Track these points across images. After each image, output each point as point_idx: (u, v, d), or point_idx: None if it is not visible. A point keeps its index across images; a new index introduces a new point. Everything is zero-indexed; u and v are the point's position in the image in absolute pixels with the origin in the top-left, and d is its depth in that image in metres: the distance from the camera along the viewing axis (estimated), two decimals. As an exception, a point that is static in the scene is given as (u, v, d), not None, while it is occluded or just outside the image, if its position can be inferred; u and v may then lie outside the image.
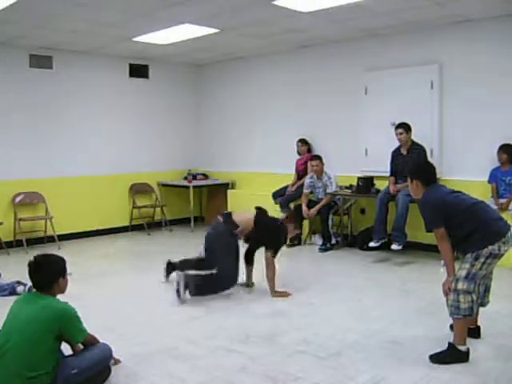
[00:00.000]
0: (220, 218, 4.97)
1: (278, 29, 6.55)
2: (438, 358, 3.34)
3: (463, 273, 3.28)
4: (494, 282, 5.43)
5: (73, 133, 7.92)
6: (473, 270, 3.26)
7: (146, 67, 8.81)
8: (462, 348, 3.34)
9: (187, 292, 4.72)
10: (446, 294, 3.36)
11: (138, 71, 8.72)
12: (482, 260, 3.25)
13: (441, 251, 3.43)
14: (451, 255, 3.37)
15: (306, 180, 7.23)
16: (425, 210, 3.43)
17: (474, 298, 3.31)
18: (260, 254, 5.08)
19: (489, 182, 5.99)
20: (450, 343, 3.38)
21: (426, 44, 6.54)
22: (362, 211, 7.30)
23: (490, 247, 3.23)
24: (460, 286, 3.27)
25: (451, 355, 3.34)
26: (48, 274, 2.94)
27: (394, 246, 6.09)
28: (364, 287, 5.20)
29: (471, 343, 3.47)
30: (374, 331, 3.95)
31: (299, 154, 7.73)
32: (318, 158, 7.07)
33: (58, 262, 3.02)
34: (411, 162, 6.28)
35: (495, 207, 5.84)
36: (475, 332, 3.69)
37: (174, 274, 5.22)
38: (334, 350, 3.61)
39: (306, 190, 7.17)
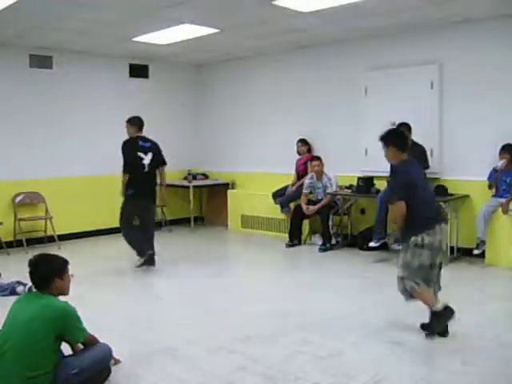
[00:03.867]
0: None
1: (278, 29, 6.55)
2: (430, 328, 3.71)
3: (401, 261, 3.74)
4: (493, 281, 5.44)
5: (73, 133, 7.92)
6: (407, 258, 3.67)
7: (146, 67, 8.81)
8: (438, 308, 3.67)
9: None
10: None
11: (138, 71, 8.72)
12: (411, 250, 3.64)
13: (392, 216, 3.93)
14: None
15: (306, 181, 7.24)
16: (397, 183, 3.82)
17: (414, 284, 3.65)
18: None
19: (489, 179, 5.98)
20: (431, 312, 3.70)
21: (426, 44, 6.53)
22: (362, 211, 7.29)
23: (413, 238, 3.63)
24: (400, 273, 3.72)
25: (437, 319, 3.68)
26: (43, 274, 2.94)
27: (394, 246, 6.09)
28: (364, 287, 5.20)
29: (471, 344, 3.47)
30: (374, 331, 3.95)
31: (299, 153, 7.73)
32: (319, 158, 7.10)
33: (56, 262, 3.02)
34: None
35: (496, 206, 5.83)
36: (449, 311, 3.73)
37: None
38: (334, 350, 3.60)
39: (305, 191, 7.17)
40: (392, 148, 3.83)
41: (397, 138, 3.91)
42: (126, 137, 6.34)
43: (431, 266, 3.71)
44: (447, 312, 3.67)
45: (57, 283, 2.97)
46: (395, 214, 3.78)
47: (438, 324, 3.68)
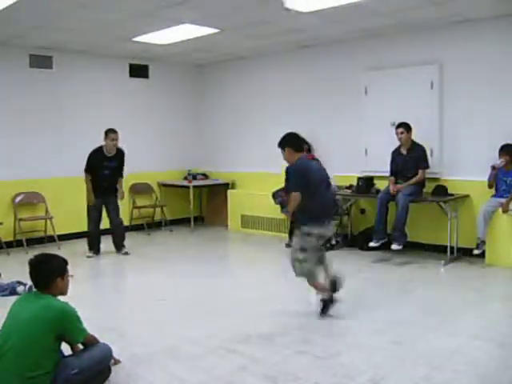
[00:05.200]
0: None
1: (278, 29, 6.55)
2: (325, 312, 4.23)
3: (298, 246, 4.14)
4: (493, 281, 5.44)
5: (72, 133, 7.92)
6: (306, 244, 4.09)
7: (146, 67, 8.81)
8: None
9: None
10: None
11: (138, 71, 8.73)
12: (312, 237, 4.09)
13: (288, 205, 4.27)
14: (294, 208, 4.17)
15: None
16: (293, 175, 4.26)
17: (309, 266, 4.13)
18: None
19: (489, 180, 5.97)
20: (321, 299, 4.27)
21: (426, 44, 6.53)
22: (362, 211, 7.29)
23: (314, 227, 4.09)
24: (299, 255, 4.12)
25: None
26: (45, 273, 2.94)
27: (394, 246, 6.09)
28: (364, 287, 5.20)
29: (471, 344, 3.46)
30: (373, 331, 3.95)
31: (299, 153, 7.71)
32: (317, 160, 7.09)
33: (57, 262, 3.01)
34: (411, 161, 6.29)
35: (496, 206, 5.83)
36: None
37: None
38: (334, 350, 3.61)
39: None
40: (288, 149, 4.31)
41: (291, 140, 4.39)
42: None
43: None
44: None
45: (58, 283, 2.97)
46: (290, 203, 4.18)
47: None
